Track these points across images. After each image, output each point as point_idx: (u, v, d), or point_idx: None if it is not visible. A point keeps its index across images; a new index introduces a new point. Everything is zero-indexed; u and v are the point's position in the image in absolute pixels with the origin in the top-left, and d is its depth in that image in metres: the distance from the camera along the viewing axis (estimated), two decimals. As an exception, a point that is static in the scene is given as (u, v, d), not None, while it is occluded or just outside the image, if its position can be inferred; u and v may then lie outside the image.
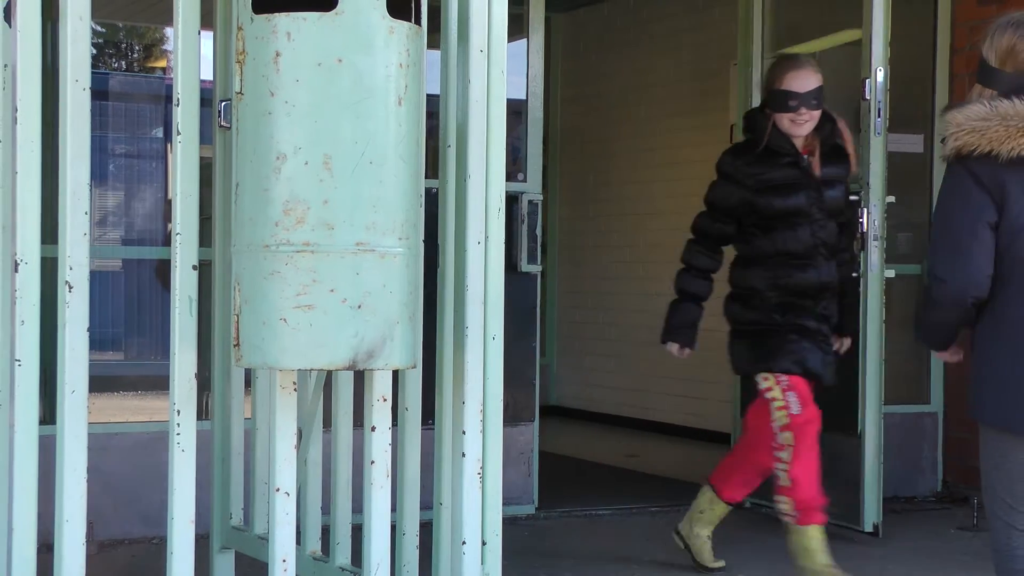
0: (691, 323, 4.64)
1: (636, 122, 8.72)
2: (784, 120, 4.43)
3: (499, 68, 3.52)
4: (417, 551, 3.70)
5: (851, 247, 4.85)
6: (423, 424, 3.71)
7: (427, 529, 3.66)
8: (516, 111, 5.66)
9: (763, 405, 4.51)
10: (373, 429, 3.38)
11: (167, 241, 6.44)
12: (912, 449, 6.23)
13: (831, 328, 4.59)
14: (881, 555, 4.89)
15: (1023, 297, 3.17)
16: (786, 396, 4.42)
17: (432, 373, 3.60)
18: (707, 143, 7.00)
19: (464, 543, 3.49)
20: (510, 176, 4.59)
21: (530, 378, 5.67)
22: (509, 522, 3.66)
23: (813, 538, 4.41)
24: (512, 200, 5.42)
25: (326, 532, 3.88)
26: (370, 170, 3.07)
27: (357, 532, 3.62)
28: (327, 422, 3.86)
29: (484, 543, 3.52)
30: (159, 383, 6.57)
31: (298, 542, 3.60)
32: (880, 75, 5.31)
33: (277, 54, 3.05)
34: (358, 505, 3.67)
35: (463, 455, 3.49)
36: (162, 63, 7.59)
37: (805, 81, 4.40)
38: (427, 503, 3.72)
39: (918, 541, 4.63)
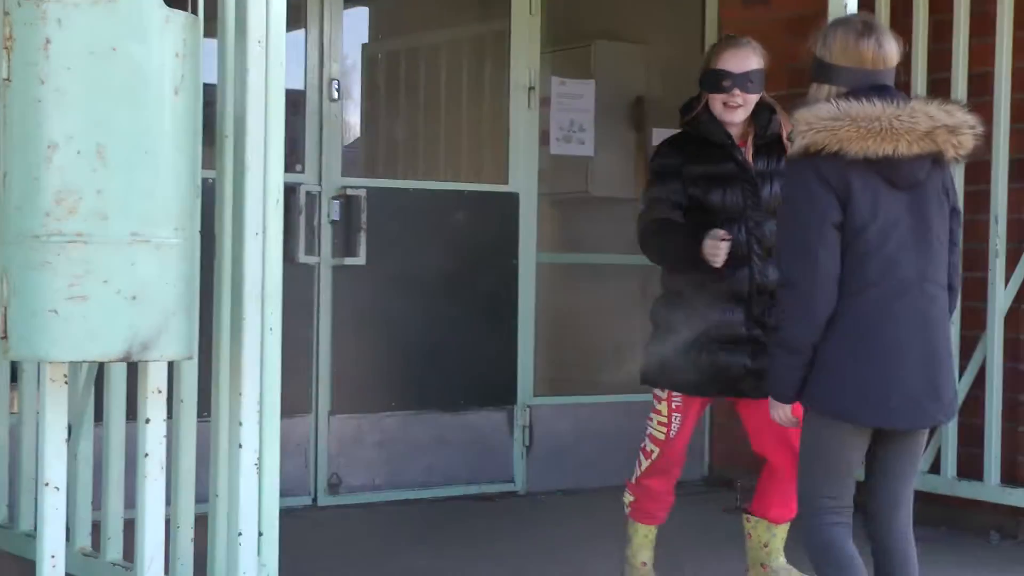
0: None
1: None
2: (717, 103, 4.08)
3: (278, 60, 3.51)
4: (192, 544, 3.67)
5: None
6: (198, 417, 3.68)
7: (202, 523, 3.63)
8: (295, 102, 5.64)
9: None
10: (148, 421, 3.35)
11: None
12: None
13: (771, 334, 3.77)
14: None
15: (863, 294, 3.28)
16: (671, 416, 4.16)
17: (206, 365, 3.57)
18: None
19: (240, 534, 3.48)
20: (288, 167, 4.54)
21: (307, 369, 5.66)
22: (286, 513, 3.65)
23: (639, 532, 4.30)
24: (290, 191, 5.40)
25: (96, 528, 3.82)
26: (145, 160, 3.05)
27: (129, 527, 3.57)
28: (98, 416, 3.79)
29: (261, 534, 3.51)
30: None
31: (67, 539, 3.53)
32: None
33: (47, 41, 2.99)
34: (129, 501, 3.62)
35: (240, 446, 3.47)
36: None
37: (743, 61, 4.07)
38: (201, 497, 3.69)
39: (685, 521, 4.78)
